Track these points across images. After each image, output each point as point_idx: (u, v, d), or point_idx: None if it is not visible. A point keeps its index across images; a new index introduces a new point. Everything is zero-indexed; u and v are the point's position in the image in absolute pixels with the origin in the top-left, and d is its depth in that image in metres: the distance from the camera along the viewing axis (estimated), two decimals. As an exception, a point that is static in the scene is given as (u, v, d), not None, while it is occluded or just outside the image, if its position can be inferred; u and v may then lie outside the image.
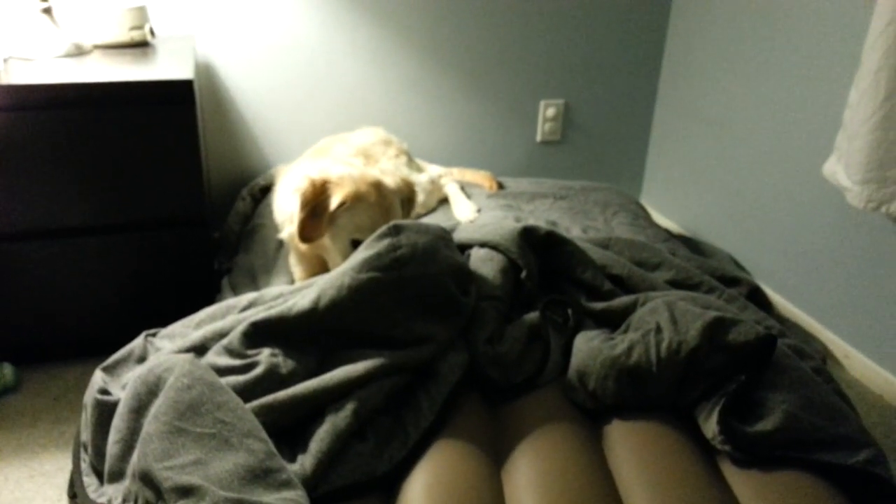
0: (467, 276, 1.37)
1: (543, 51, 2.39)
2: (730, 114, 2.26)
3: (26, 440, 1.49)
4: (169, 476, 0.86)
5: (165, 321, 1.38)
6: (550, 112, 2.49)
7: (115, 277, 1.67)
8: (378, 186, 1.49)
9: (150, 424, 0.95)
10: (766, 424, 1.12)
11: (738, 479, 1.12)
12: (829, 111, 1.84)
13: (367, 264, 1.24)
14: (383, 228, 1.30)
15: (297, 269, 1.60)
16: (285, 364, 1.16)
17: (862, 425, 1.22)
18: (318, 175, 1.46)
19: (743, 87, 2.19)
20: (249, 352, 1.17)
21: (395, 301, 1.24)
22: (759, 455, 1.12)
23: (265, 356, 1.16)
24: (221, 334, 1.22)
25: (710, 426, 1.15)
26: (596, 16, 2.40)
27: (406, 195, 1.59)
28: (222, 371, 1.11)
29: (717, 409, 1.15)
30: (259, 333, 1.20)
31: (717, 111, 2.32)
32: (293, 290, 1.35)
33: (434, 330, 1.25)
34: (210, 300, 1.62)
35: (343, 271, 1.25)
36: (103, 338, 1.69)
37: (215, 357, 1.16)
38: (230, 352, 1.17)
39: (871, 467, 1.12)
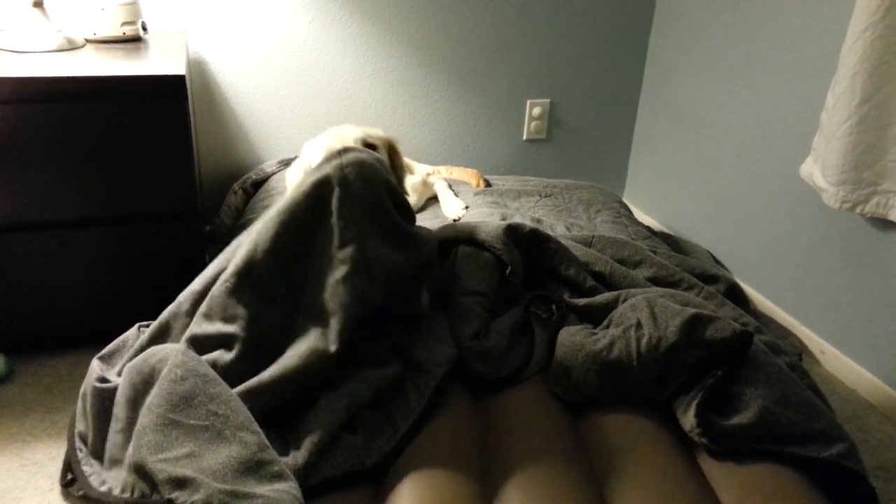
0: (406, 204, 1.36)
1: (530, 51, 2.43)
2: (711, 115, 2.30)
3: (18, 430, 1.51)
4: (163, 468, 0.89)
5: (157, 313, 1.39)
6: (536, 111, 2.52)
7: (107, 269, 1.68)
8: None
9: (144, 416, 0.98)
10: (741, 418, 1.16)
11: (715, 471, 1.16)
12: (807, 114, 1.88)
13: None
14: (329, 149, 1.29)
15: None
16: (258, 329, 1.17)
17: (835, 420, 1.25)
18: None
19: (724, 90, 2.24)
20: (229, 312, 1.18)
21: (346, 220, 1.22)
22: (734, 448, 1.16)
23: (240, 326, 1.16)
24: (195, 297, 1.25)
25: (688, 419, 1.19)
26: (582, 18, 2.43)
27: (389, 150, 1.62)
28: (203, 340, 1.14)
29: (694, 402, 1.19)
30: (234, 289, 1.20)
31: (699, 112, 2.36)
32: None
33: (388, 254, 1.23)
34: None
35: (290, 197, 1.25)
36: (95, 329, 1.71)
37: (195, 328, 1.18)
38: (209, 317, 1.19)
39: (844, 461, 1.16)
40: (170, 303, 1.39)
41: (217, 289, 1.19)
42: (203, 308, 1.19)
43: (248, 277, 1.19)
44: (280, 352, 1.15)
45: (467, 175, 2.25)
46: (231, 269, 1.19)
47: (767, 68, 2.05)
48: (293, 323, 1.19)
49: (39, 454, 1.45)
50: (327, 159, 1.25)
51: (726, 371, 1.21)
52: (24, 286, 1.64)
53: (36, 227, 1.60)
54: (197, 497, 0.85)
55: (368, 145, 1.51)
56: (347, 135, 1.53)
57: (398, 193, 1.29)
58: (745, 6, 2.11)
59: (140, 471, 0.91)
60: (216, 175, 2.23)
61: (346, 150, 1.26)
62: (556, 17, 2.41)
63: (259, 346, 1.16)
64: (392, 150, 1.61)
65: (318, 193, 1.23)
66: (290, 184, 1.62)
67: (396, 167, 1.61)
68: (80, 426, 1.24)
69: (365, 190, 1.22)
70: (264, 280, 1.19)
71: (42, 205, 1.58)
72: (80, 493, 1.30)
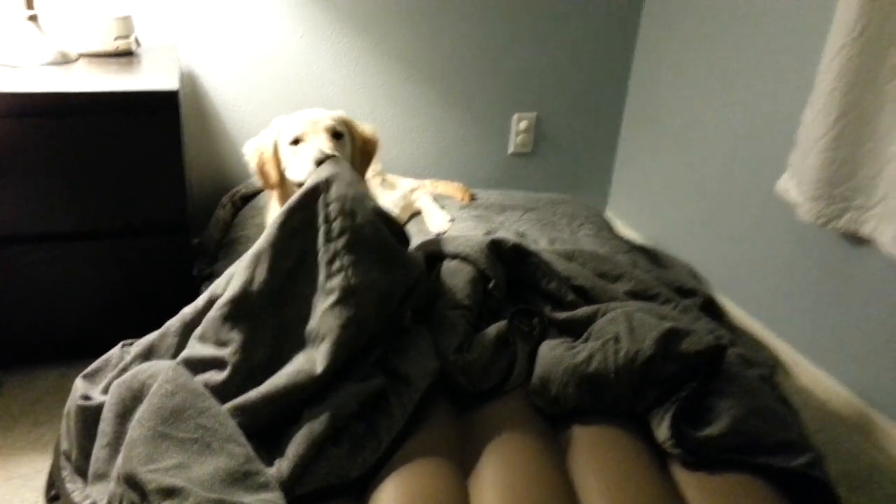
0: (399, 227, 1.40)
1: (517, 66, 2.48)
2: (691, 131, 2.36)
3: (2, 443, 1.53)
4: (153, 478, 0.92)
5: (144, 325, 1.42)
6: (523, 125, 2.57)
7: (95, 282, 1.71)
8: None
9: (134, 429, 1.00)
10: (713, 429, 1.20)
11: (687, 481, 1.19)
12: (784, 132, 1.93)
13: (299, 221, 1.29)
14: (312, 182, 1.32)
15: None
16: (249, 355, 1.21)
17: (802, 431, 1.31)
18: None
19: (704, 107, 2.29)
20: (221, 336, 1.22)
21: (332, 253, 1.26)
22: (706, 458, 1.20)
23: (231, 351, 1.20)
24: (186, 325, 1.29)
25: (662, 431, 1.23)
26: (568, 34, 2.49)
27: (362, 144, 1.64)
28: (196, 363, 1.17)
29: (668, 414, 1.22)
30: (228, 317, 1.24)
31: (680, 128, 2.42)
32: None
33: (376, 276, 1.27)
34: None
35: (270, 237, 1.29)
36: (82, 341, 1.72)
37: (189, 350, 1.22)
38: (203, 340, 1.23)
39: (810, 470, 1.20)
40: (158, 315, 1.41)
41: (212, 314, 1.23)
42: (198, 331, 1.23)
43: (242, 307, 1.23)
44: (269, 375, 1.19)
45: (453, 189, 2.29)
46: (226, 296, 1.23)
47: (747, 85, 2.10)
48: (282, 351, 1.23)
49: (25, 467, 1.46)
50: (310, 194, 1.29)
51: (700, 383, 1.25)
52: (12, 298, 1.66)
53: (27, 240, 1.62)
54: (185, 507, 0.88)
55: (336, 133, 1.53)
56: (319, 119, 1.53)
57: (388, 217, 1.34)
58: (726, 25, 2.17)
59: (130, 481, 0.94)
60: (205, 188, 2.26)
61: (328, 183, 1.29)
62: (542, 33, 2.46)
63: (250, 369, 1.19)
64: (366, 140, 1.63)
65: (304, 229, 1.28)
66: (249, 156, 1.62)
67: (366, 154, 1.63)
68: (64, 444, 1.26)
69: (350, 223, 1.26)
70: (256, 311, 1.23)
71: (33, 217, 1.61)
72: (65, 508, 1.33)
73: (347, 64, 2.29)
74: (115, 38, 1.85)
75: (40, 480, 1.41)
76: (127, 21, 1.87)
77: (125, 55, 1.88)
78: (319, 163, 1.40)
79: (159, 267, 1.73)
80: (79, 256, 1.67)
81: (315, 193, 1.28)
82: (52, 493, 1.31)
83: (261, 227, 1.77)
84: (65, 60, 1.77)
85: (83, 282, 1.70)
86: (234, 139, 2.26)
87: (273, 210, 1.70)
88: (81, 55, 1.84)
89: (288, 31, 2.19)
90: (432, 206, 2.11)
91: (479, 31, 2.39)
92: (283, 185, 1.55)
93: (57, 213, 1.62)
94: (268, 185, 1.56)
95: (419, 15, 2.30)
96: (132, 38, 1.88)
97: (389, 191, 2.07)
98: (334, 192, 1.28)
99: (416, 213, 2.13)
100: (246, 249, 1.79)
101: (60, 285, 1.69)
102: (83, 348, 1.70)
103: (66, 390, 1.63)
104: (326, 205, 1.27)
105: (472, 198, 2.26)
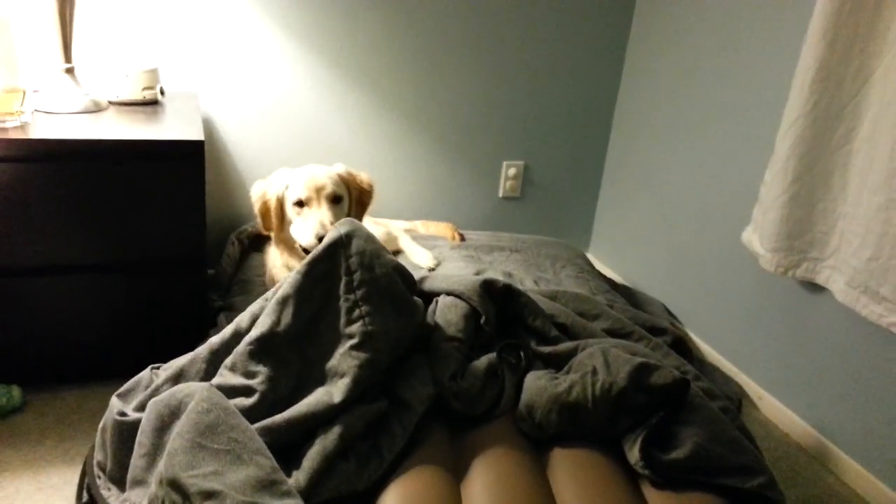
0: (411, 278, 1.56)
1: (507, 118, 2.64)
2: (668, 183, 2.50)
3: (33, 456, 1.64)
4: (194, 482, 1.06)
5: (163, 348, 1.56)
6: (512, 171, 2.74)
7: (119, 309, 1.82)
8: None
9: (174, 441, 1.14)
10: (679, 453, 1.32)
11: (656, 498, 1.32)
12: (749, 188, 2.08)
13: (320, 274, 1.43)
14: (333, 237, 1.46)
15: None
16: (275, 386, 1.34)
17: (758, 456, 1.43)
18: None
19: (677, 162, 2.44)
20: (250, 369, 1.35)
21: (351, 302, 1.40)
22: (672, 478, 1.32)
23: (259, 381, 1.34)
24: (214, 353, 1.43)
25: (634, 454, 1.35)
26: (555, 90, 2.66)
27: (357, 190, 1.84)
28: (227, 389, 1.31)
29: (639, 439, 1.35)
30: (255, 353, 1.38)
31: (657, 178, 2.56)
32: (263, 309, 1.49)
33: (391, 325, 1.41)
34: (205, 332, 1.81)
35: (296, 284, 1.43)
36: (104, 364, 1.85)
37: (219, 378, 1.35)
38: (233, 371, 1.36)
39: (764, 490, 1.33)
40: (176, 340, 1.56)
41: (241, 348, 1.37)
42: (228, 362, 1.37)
43: (268, 345, 1.37)
44: (290, 405, 1.33)
45: (443, 229, 2.44)
46: (254, 334, 1.37)
47: (717, 144, 2.26)
48: (304, 384, 1.37)
49: (55, 478, 1.58)
50: (332, 248, 1.44)
51: (667, 412, 1.38)
52: (42, 323, 1.78)
53: (58, 272, 1.74)
54: (224, 507, 1.02)
55: (336, 198, 1.76)
56: (322, 186, 1.75)
57: (402, 268, 1.50)
58: (698, 92, 2.33)
59: (173, 484, 1.07)
60: (214, 223, 2.40)
61: (349, 238, 1.44)
62: (532, 89, 2.63)
63: (275, 398, 1.33)
64: (362, 190, 1.84)
65: (325, 279, 1.43)
66: (254, 199, 1.82)
67: (361, 204, 1.84)
68: (98, 456, 1.37)
69: (369, 276, 1.41)
70: (281, 350, 1.38)
71: (64, 252, 1.73)
72: (97, 513, 1.45)
73: (351, 115, 2.45)
74: (143, 89, 2.01)
75: (70, 490, 1.53)
76: (154, 73, 2.03)
77: (151, 104, 2.04)
78: (320, 238, 1.60)
79: (178, 296, 1.85)
80: (105, 286, 1.79)
81: (336, 247, 1.44)
82: (84, 501, 1.43)
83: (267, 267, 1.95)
84: (97, 108, 1.92)
85: (107, 309, 1.82)
86: (243, 179, 2.40)
87: (273, 252, 1.87)
88: (111, 103, 1.99)
89: (298, 83, 2.36)
90: (414, 245, 2.26)
91: (473, 87, 2.56)
92: (282, 231, 1.76)
93: (86, 247, 1.74)
94: (266, 229, 1.78)
95: (418, 72, 2.47)
96: (157, 89, 2.04)
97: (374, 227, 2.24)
98: (354, 246, 1.43)
99: (397, 252, 2.28)
100: (260, 291, 1.97)
101: (86, 312, 1.80)
102: (105, 370, 1.84)
103: (88, 409, 1.79)
104: (347, 258, 1.42)
105: (462, 238, 2.42)
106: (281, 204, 1.77)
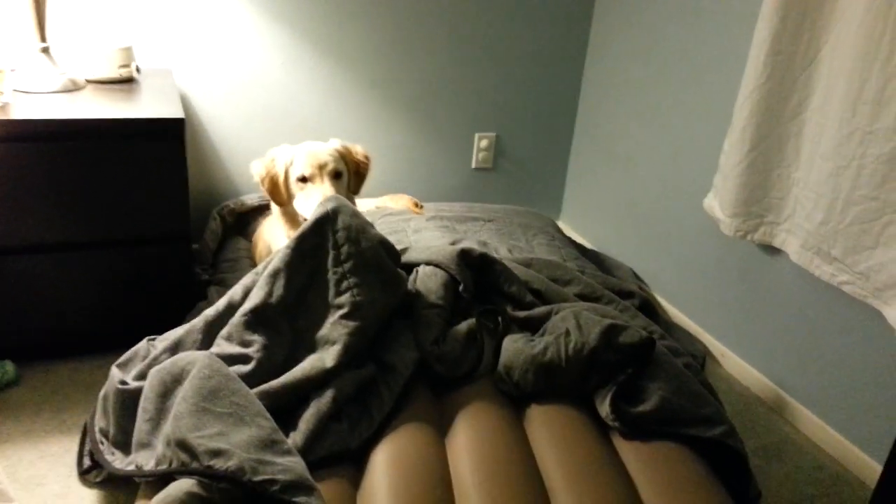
0: (395, 251, 1.63)
1: (479, 91, 2.70)
2: (633, 151, 2.59)
3: (32, 427, 1.69)
4: (201, 442, 1.13)
5: (150, 321, 1.62)
6: (484, 143, 2.80)
7: (106, 285, 1.86)
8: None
9: (179, 405, 1.21)
10: (645, 406, 1.42)
11: (625, 448, 1.42)
12: (709, 156, 2.17)
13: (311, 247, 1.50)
14: (320, 213, 1.53)
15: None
16: (270, 354, 1.41)
17: (719, 408, 1.53)
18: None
19: (642, 132, 2.52)
20: (245, 338, 1.42)
21: (339, 275, 1.48)
22: (640, 430, 1.42)
23: (254, 349, 1.41)
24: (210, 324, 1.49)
25: (605, 408, 1.45)
26: (523, 64, 2.72)
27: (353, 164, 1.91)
28: (225, 357, 1.37)
29: (609, 395, 1.44)
30: (249, 323, 1.45)
31: (623, 148, 2.64)
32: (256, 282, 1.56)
33: (377, 295, 1.49)
34: (191, 304, 1.88)
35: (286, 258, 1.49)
36: (94, 338, 1.90)
37: (217, 348, 1.42)
38: (229, 340, 1.43)
39: (725, 439, 1.43)
40: (163, 313, 1.63)
41: (236, 319, 1.44)
42: (224, 332, 1.44)
43: (262, 316, 1.44)
44: (285, 371, 1.40)
45: (405, 201, 2.50)
46: (248, 306, 1.45)
47: (679, 114, 2.34)
48: (297, 352, 1.45)
49: (54, 447, 1.64)
50: (319, 223, 1.51)
51: (635, 369, 1.47)
52: (32, 300, 1.82)
53: (45, 249, 1.78)
54: (231, 463, 1.10)
55: (337, 173, 1.83)
56: (324, 164, 1.82)
57: (386, 242, 1.57)
58: (661, 62, 2.41)
59: (181, 445, 1.14)
60: (196, 199, 2.43)
61: (335, 214, 1.51)
62: (502, 62, 2.69)
63: (270, 365, 1.40)
64: (359, 162, 1.91)
65: (314, 253, 1.50)
66: (257, 175, 1.87)
67: (359, 175, 1.91)
68: (100, 423, 1.44)
69: (355, 249, 1.48)
70: (274, 320, 1.45)
71: (51, 229, 1.76)
72: (99, 479, 1.52)
73: (324, 89, 2.49)
74: (119, 67, 2.02)
75: (70, 458, 1.60)
76: (129, 51, 2.05)
77: (127, 81, 2.05)
78: None
79: (164, 271, 1.90)
80: (93, 263, 1.83)
81: (323, 222, 1.51)
82: (85, 466, 1.50)
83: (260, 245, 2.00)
84: (75, 87, 1.93)
85: (95, 285, 1.86)
86: (220, 155, 2.44)
87: (274, 224, 1.93)
88: (88, 81, 2.01)
89: (271, 58, 2.38)
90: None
91: (445, 60, 2.61)
92: (289, 203, 1.83)
93: (72, 225, 1.78)
94: (279, 203, 1.85)
95: (390, 45, 2.51)
96: (133, 66, 2.06)
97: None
98: (341, 222, 1.51)
99: None
100: (247, 265, 2.04)
101: (75, 288, 1.84)
102: (95, 344, 1.89)
103: (82, 381, 1.84)
104: (335, 232, 1.50)
105: (420, 206, 2.49)
106: (287, 179, 1.84)
